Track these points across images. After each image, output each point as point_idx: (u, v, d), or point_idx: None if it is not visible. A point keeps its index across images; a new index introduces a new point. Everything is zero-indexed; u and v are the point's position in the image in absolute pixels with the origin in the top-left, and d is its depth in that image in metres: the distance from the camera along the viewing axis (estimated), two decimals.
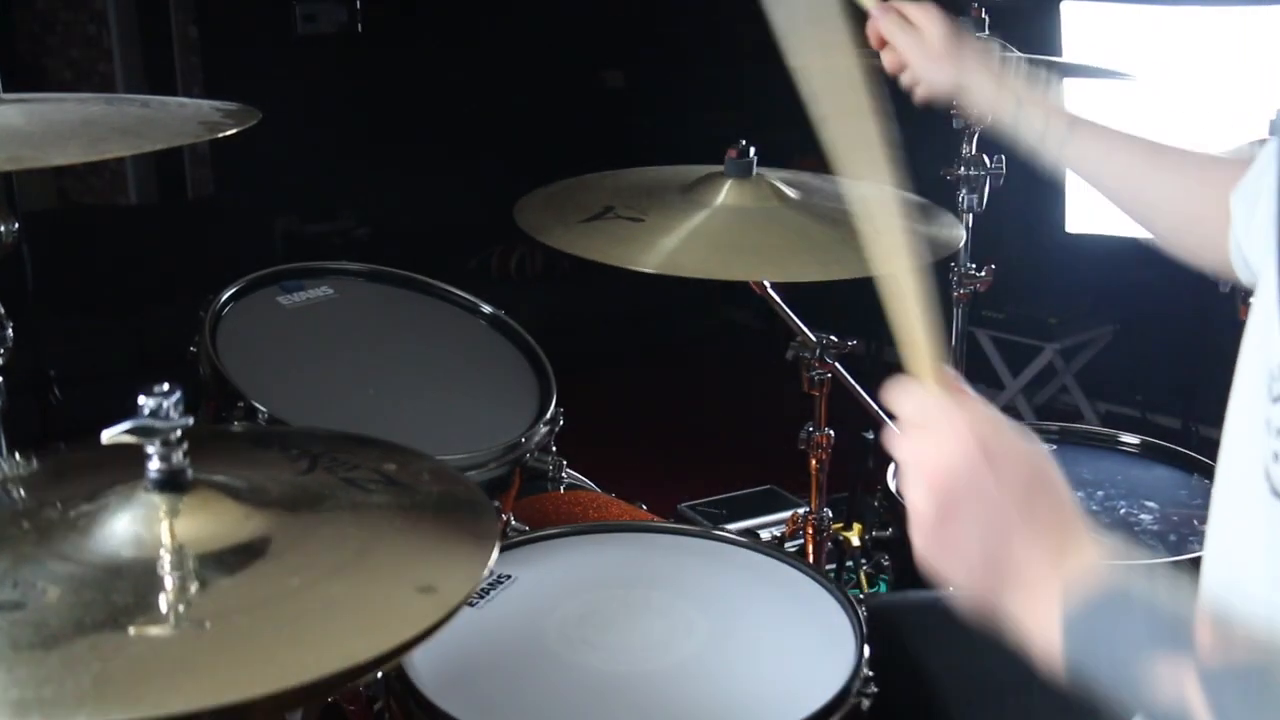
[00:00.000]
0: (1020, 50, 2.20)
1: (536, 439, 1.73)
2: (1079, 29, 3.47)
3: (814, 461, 1.89)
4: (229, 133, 1.24)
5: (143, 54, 5.79)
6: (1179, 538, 1.74)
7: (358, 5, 5.77)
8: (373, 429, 1.63)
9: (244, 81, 5.29)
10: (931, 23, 1.38)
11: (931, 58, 1.37)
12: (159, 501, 0.91)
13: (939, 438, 0.80)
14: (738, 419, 4.67)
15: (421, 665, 1.29)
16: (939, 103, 1.42)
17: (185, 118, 1.33)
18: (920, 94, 1.40)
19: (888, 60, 1.40)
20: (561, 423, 1.81)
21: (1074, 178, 1.33)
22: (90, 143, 1.18)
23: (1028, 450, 0.81)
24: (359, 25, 5.81)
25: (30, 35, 6.30)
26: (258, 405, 1.57)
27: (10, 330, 1.38)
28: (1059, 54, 3.38)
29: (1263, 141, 1.24)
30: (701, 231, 1.59)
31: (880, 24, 1.40)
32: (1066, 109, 1.30)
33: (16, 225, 1.39)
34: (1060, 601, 0.76)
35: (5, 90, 1.29)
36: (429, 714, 1.23)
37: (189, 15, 5.57)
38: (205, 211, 5.59)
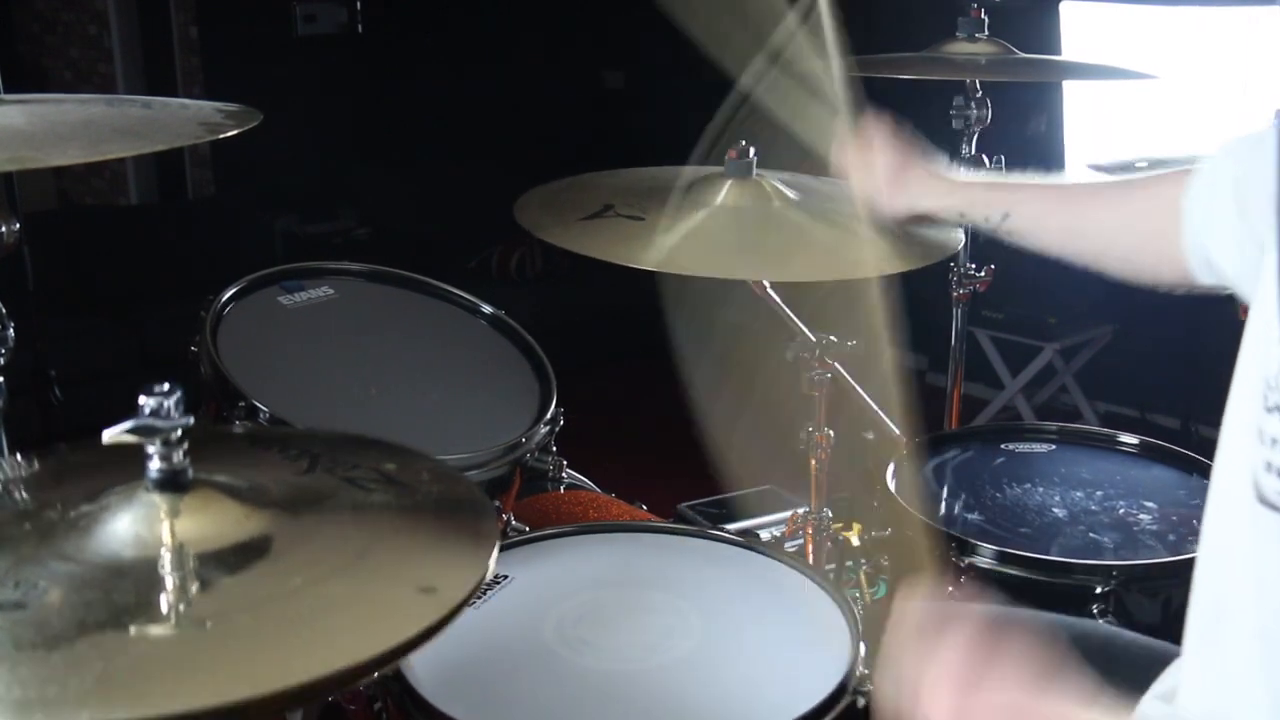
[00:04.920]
0: (1020, 50, 2.20)
1: (536, 439, 1.73)
2: (1079, 29, 3.47)
3: (814, 461, 1.89)
4: (230, 134, 1.24)
5: (143, 54, 5.79)
6: (1178, 538, 1.74)
7: (358, 5, 5.78)
8: (373, 429, 1.63)
9: (244, 81, 5.29)
10: (883, 154, 1.44)
11: (881, 193, 1.44)
12: (160, 501, 0.91)
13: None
14: (738, 419, 4.67)
15: (419, 665, 1.29)
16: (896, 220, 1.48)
17: (186, 119, 1.33)
18: (874, 218, 1.47)
19: (853, 184, 1.47)
20: (561, 423, 1.81)
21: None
22: (91, 143, 1.18)
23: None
24: (359, 25, 5.81)
25: (30, 36, 6.31)
26: (258, 405, 1.57)
27: (10, 330, 1.39)
28: (1059, 54, 3.38)
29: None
30: (701, 231, 1.58)
31: (838, 159, 1.49)
32: (1002, 191, 1.35)
33: (17, 225, 1.39)
34: None
35: (5, 90, 1.29)
36: (426, 714, 1.23)
37: (189, 15, 5.58)
38: (205, 211, 5.59)
